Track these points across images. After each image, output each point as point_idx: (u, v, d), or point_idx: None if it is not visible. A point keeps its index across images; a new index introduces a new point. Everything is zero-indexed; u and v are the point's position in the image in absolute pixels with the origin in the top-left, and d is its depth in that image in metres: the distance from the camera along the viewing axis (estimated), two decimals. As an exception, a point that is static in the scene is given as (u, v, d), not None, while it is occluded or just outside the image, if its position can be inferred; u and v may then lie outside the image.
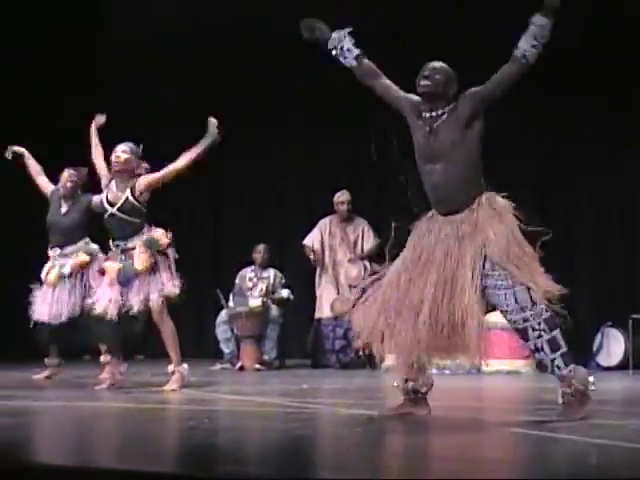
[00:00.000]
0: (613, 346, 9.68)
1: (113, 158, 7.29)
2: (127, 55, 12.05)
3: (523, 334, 4.91)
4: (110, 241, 7.32)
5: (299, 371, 9.69)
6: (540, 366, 5.14)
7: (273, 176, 11.72)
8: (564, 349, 4.92)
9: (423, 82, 5.12)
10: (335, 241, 10.11)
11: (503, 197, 5.16)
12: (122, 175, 7.26)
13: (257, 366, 9.81)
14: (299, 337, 10.55)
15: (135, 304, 7.09)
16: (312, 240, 10.19)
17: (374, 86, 5.32)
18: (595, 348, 9.75)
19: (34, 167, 8.70)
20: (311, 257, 10.15)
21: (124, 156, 7.26)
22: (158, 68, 12.10)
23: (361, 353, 9.56)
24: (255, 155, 11.70)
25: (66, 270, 8.32)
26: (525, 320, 4.88)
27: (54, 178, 8.70)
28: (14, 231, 9.42)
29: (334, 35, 5.36)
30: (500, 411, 5.78)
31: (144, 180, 7.21)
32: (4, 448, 4.04)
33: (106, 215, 7.27)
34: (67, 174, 8.61)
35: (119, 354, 7.47)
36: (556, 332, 4.91)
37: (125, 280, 7.15)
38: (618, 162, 10.43)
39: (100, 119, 7.93)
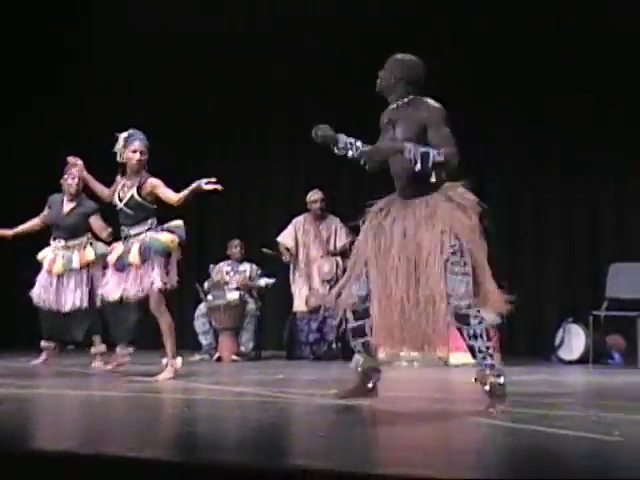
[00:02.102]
0: (574, 341, 9.73)
1: (135, 156, 7.26)
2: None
3: (464, 319, 4.94)
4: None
5: (275, 362, 9.71)
6: (472, 352, 5.12)
7: (254, 175, 11.73)
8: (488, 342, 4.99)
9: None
10: (309, 238, 10.16)
11: (470, 191, 5.15)
12: (135, 171, 7.30)
13: (234, 357, 9.82)
14: (275, 330, 10.60)
15: (132, 293, 7.14)
16: (286, 237, 10.23)
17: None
18: (557, 343, 9.80)
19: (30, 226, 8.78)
20: (283, 257, 10.19)
21: (144, 157, 7.29)
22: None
23: (334, 345, 9.70)
24: (237, 155, 11.70)
25: (75, 265, 8.39)
26: (468, 307, 4.94)
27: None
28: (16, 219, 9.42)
29: (342, 141, 5.22)
30: (466, 402, 5.80)
31: (151, 186, 7.23)
32: (27, 434, 4.07)
33: (116, 207, 7.36)
34: (75, 172, 8.33)
35: (126, 339, 7.50)
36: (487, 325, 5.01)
37: (120, 265, 7.20)
38: (585, 162, 10.47)
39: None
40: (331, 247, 10.13)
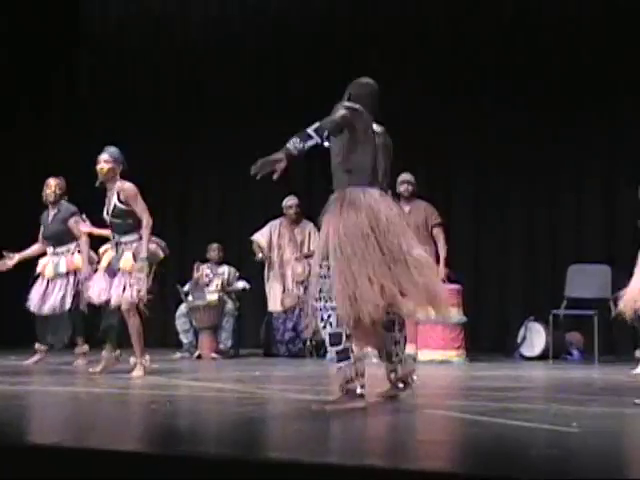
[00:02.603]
0: (535, 338, 9.77)
1: (100, 166, 7.30)
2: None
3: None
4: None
5: (252, 359, 9.70)
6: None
7: (233, 181, 11.71)
8: (342, 347, 4.80)
9: None
10: (283, 241, 10.21)
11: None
12: (108, 183, 7.32)
13: (213, 355, 9.84)
14: (252, 328, 10.60)
15: (114, 297, 7.15)
16: (260, 236, 10.30)
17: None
18: (519, 340, 9.83)
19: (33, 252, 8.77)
20: (258, 255, 10.21)
21: (106, 167, 7.31)
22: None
23: (308, 343, 9.72)
24: (218, 158, 11.68)
25: (62, 269, 8.42)
26: (333, 308, 4.79)
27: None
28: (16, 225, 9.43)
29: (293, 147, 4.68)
30: (434, 396, 5.82)
31: (127, 190, 7.23)
32: (15, 428, 4.07)
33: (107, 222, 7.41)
34: (53, 183, 8.60)
35: (115, 341, 7.47)
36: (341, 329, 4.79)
37: (110, 271, 7.20)
38: (545, 163, 10.47)
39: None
40: (305, 250, 10.17)
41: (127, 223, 7.26)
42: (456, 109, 10.53)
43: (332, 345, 4.81)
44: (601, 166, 10.28)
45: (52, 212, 8.62)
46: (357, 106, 4.98)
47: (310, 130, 4.66)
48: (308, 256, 10.07)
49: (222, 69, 11.83)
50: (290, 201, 10.20)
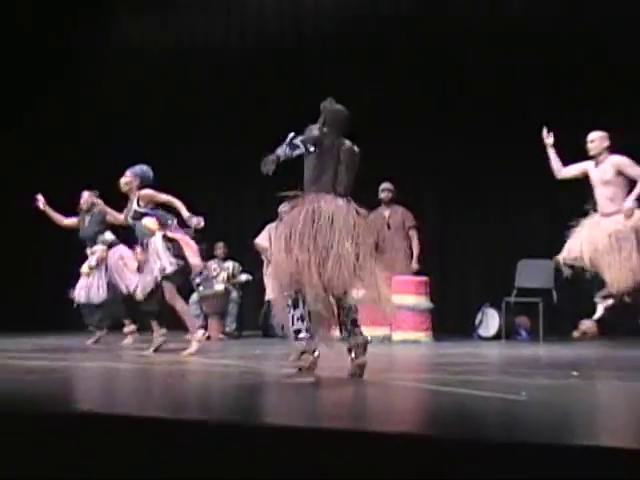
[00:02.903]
0: (490, 321, 9.79)
1: (121, 180, 7.37)
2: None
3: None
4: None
5: (253, 340, 9.68)
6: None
7: (234, 188, 11.67)
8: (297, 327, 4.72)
9: None
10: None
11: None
12: (129, 193, 7.32)
13: (220, 336, 9.88)
14: (253, 314, 10.55)
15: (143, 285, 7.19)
16: (262, 239, 10.27)
17: None
18: (477, 323, 9.84)
19: (56, 217, 8.88)
20: (264, 255, 10.20)
21: (124, 180, 7.35)
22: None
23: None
24: (223, 172, 11.64)
25: (92, 262, 8.53)
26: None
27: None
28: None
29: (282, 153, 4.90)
30: (405, 370, 5.81)
31: (142, 193, 7.20)
32: (53, 398, 4.02)
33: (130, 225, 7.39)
34: (86, 195, 8.85)
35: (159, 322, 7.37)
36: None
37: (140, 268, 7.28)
38: (500, 173, 10.37)
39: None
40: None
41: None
42: (425, 131, 10.53)
43: (292, 325, 4.72)
44: (545, 173, 10.03)
45: (87, 217, 8.76)
46: (325, 129, 4.99)
47: (297, 141, 4.77)
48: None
49: (235, 74, 11.71)
50: (284, 207, 10.16)
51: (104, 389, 4.82)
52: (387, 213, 9.66)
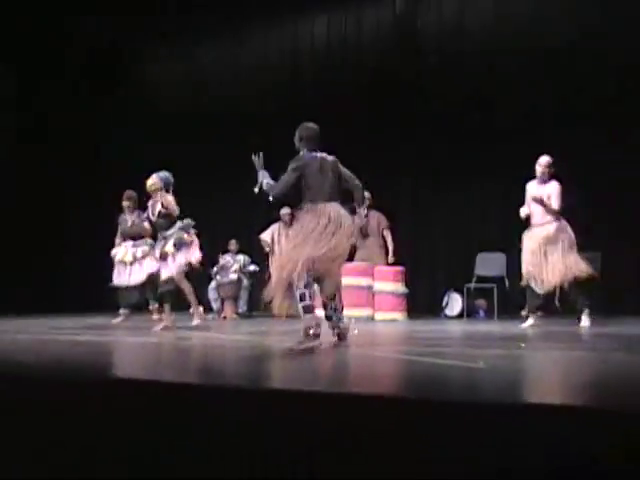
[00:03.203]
0: (454, 303, 9.83)
1: (147, 182, 7.36)
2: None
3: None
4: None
5: (261, 319, 9.67)
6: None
7: (243, 194, 11.63)
8: (306, 303, 4.88)
9: None
10: (281, 238, 10.22)
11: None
12: (153, 194, 7.28)
13: (234, 316, 9.96)
14: (261, 298, 10.53)
15: (167, 271, 7.23)
16: (266, 235, 10.35)
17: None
18: (443, 304, 9.88)
19: None
20: (266, 248, 10.26)
21: (149, 182, 7.31)
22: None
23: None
24: (237, 176, 11.60)
25: (139, 254, 8.55)
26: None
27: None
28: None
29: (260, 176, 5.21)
30: (384, 343, 5.83)
31: (165, 200, 7.19)
32: (92, 367, 4.03)
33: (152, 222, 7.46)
34: (127, 195, 8.74)
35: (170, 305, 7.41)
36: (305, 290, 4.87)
37: (161, 256, 7.27)
38: (461, 175, 10.33)
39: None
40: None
41: (167, 222, 7.27)
42: (398, 142, 10.53)
43: (300, 301, 4.87)
44: (502, 174, 9.87)
45: (130, 218, 8.68)
46: (300, 162, 5.09)
47: (268, 187, 5.10)
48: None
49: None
50: (284, 210, 10.27)
51: (140, 360, 4.80)
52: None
